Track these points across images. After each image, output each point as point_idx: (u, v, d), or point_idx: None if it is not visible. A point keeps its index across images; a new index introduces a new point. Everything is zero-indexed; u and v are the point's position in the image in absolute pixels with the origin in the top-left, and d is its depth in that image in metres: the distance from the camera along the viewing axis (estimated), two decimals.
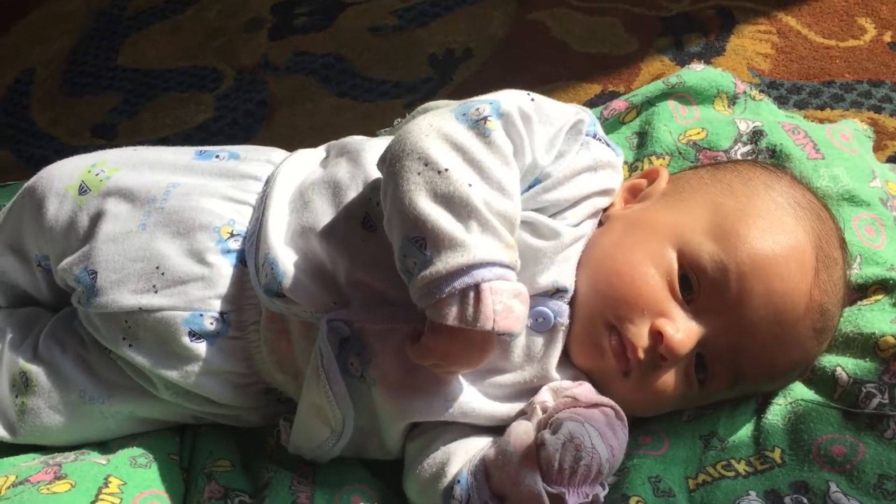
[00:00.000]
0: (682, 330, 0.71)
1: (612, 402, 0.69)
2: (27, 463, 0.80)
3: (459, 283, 0.64)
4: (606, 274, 0.73)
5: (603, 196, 0.78)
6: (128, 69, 1.49)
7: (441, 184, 0.66)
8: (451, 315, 0.65)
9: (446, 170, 0.66)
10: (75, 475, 0.75)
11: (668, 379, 0.72)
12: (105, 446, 0.83)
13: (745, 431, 0.76)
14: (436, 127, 0.69)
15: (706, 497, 0.71)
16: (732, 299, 0.71)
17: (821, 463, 0.71)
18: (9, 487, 0.74)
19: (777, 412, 0.76)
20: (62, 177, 0.86)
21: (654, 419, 0.79)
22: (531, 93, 0.74)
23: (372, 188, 0.78)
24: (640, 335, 0.71)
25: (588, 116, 0.78)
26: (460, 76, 1.33)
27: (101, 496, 0.73)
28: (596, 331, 0.73)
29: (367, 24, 1.45)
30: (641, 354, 0.71)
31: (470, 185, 0.66)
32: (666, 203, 0.78)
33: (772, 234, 0.72)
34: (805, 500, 0.69)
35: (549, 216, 0.75)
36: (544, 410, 0.71)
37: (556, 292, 0.74)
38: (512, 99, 0.72)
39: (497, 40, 1.37)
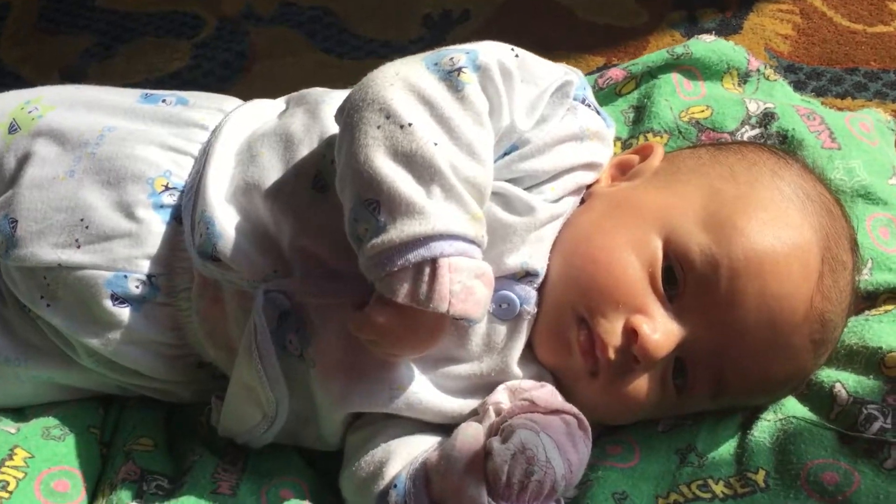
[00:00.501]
0: (661, 330, 0.62)
1: (575, 410, 0.61)
2: None
3: (414, 256, 0.57)
4: (580, 258, 0.64)
5: (588, 171, 0.70)
6: (106, 10, 1.41)
7: (403, 140, 0.58)
8: (402, 292, 0.57)
9: (410, 125, 0.59)
10: None
11: (641, 384, 0.64)
12: (19, 413, 0.76)
13: (727, 448, 0.68)
14: (402, 76, 0.61)
15: None
16: (721, 299, 0.62)
17: (809, 491, 0.63)
18: None
19: (765, 429, 0.68)
20: None
21: (625, 427, 0.71)
22: (515, 48, 0.66)
23: (327, 144, 0.70)
24: (612, 332, 0.63)
25: (577, 78, 0.70)
26: (454, 38, 1.24)
27: (2, 469, 0.67)
28: (564, 323, 0.65)
29: None
30: (612, 354, 0.63)
31: (436, 145, 0.59)
32: (657, 183, 0.69)
33: (773, 229, 0.63)
34: None
35: (525, 188, 0.67)
36: (498, 413, 0.64)
37: (525, 276, 0.66)
38: (492, 51, 0.64)
39: (497, 3, 1.29)
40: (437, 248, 0.57)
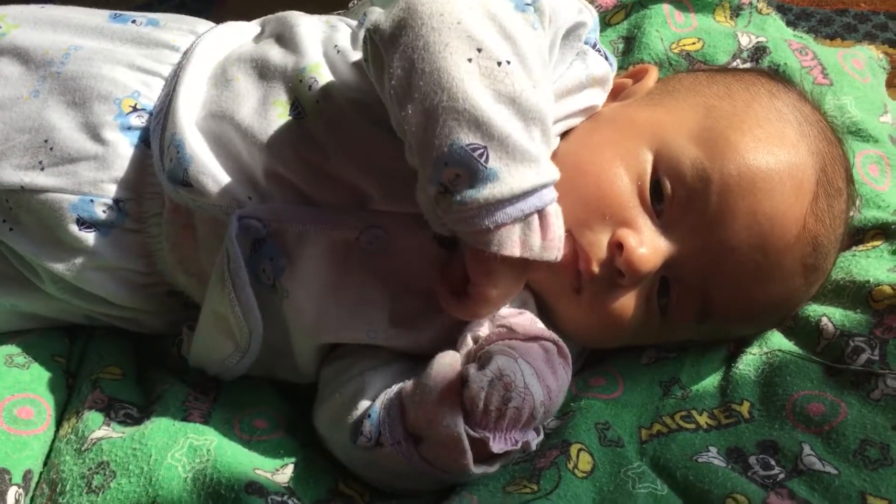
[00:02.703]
0: (647, 244, 0.61)
1: (554, 336, 0.59)
2: None
3: (528, 206, 0.54)
4: (569, 171, 0.62)
5: (583, 115, 0.67)
6: None
7: (505, 80, 0.53)
8: (512, 243, 0.54)
9: (508, 62, 0.54)
10: None
11: (626, 302, 0.62)
12: None
13: (712, 381, 0.67)
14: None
15: (659, 450, 0.62)
16: (711, 216, 0.60)
17: (794, 422, 0.62)
18: None
19: (750, 362, 0.67)
20: None
21: (610, 359, 0.69)
22: None
23: (303, 67, 0.67)
24: (597, 244, 0.61)
25: (591, 20, 0.66)
26: None
27: None
28: None
29: None
30: (596, 267, 0.61)
31: (534, 87, 0.54)
32: (650, 101, 0.67)
33: (769, 146, 0.61)
34: (772, 462, 0.60)
35: None
36: (475, 341, 0.61)
37: None
38: None
39: None
40: (547, 195, 0.54)
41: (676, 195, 0.61)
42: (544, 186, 0.54)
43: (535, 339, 0.59)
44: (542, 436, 0.60)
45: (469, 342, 0.62)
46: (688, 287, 0.63)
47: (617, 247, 0.60)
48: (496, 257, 0.54)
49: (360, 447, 0.60)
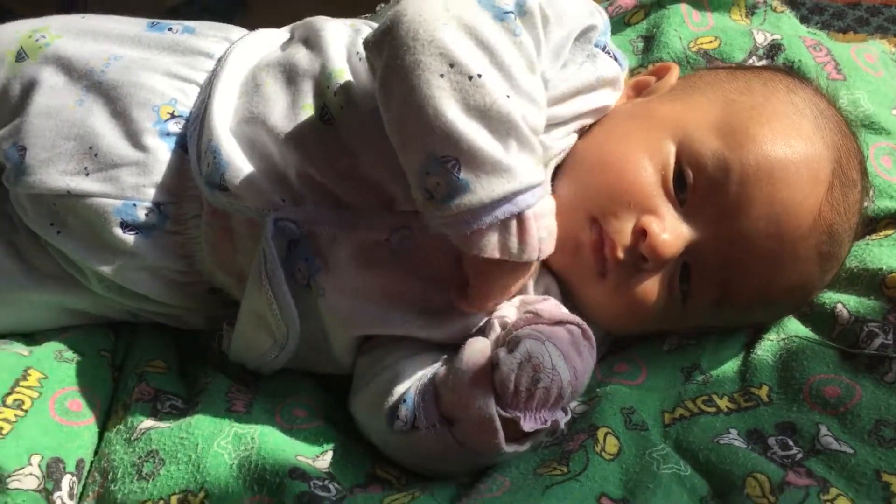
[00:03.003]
0: (670, 230, 0.63)
1: (578, 320, 0.62)
2: None
3: (502, 213, 0.57)
4: (594, 164, 0.65)
5: (594, 115, 0.70)
6: None
7: (475, 93, 0.56)
8: (491, 247, 0.58)
9: (479, 76, 0.56)
10: None
11: (649, 286, 0.65)
12: (30, 338, 0.76)
13: (731, 366, 0.70)
14: (455, 13, 0.58)
15: (682, 433, 0.64)
16: (731, 204, 0.63)
17: (811, 404, 0.65)
18: None
19: (768, 348, 0.70)
20: (2, 41, 0.78)
21: (633, 346, 0.72)
22: None
23: (329, 73, 0.69)
24: (622, 231, 0.64)
25: (602, 23, 0.68)
26: None
27: (17, 388, 0.68)
28: (575, 224, 0.65)
29: None
30: (621, 253, 0.64)
31: (508, 98, 0.57)
32: (672, 96, 0.70)
33: (786, 138, 0.64)
34: (790, 442, 0.62)
35: None
36: (503, 326, 0.64)
37: None
38: None
39: None
40: (522, 201, 0.57)
41: (698, 184, 0.64)
42: (518, 193, 0.57)
43: (560, 323, 0.61)
44: (569, 415, 0.63)
45: (497, 328, 0.65)
46: (707, 272, 0.65)
47: (641, 233, 0.63)
48: (482, 260, 0.58)
49: (396, 431, 0.63)
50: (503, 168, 0.56)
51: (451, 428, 0.61)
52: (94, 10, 1.24)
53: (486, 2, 0.59)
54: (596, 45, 0.68)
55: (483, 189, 0.56)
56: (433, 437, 0.62)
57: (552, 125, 0.66)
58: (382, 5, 0.92)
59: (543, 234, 0.59)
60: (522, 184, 0.57)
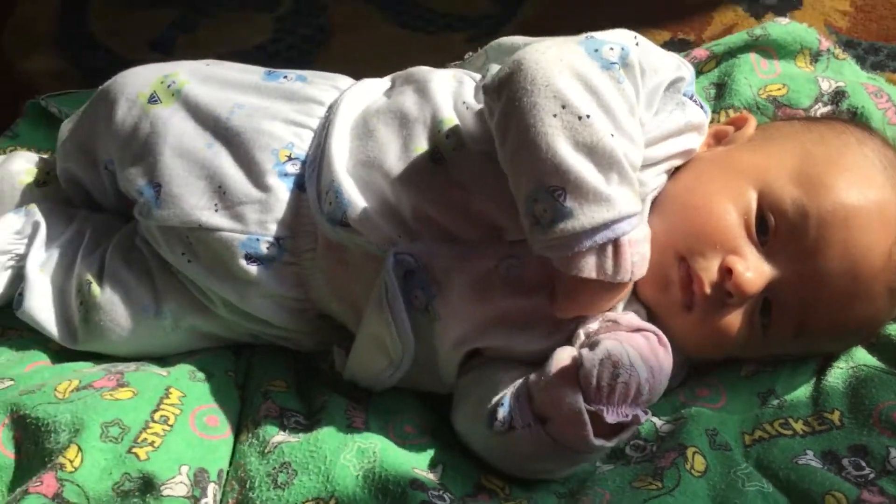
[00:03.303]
0: (753, 269, 0.70)
1: (654, 328, 0.68)
2: (89, 369, 0.81)
3: (600, 238, 0.64)
4: (683, 206, 0.72)
5: (683, 157, 0.77)
6: None
7: (584, 132, 0.64)
8: (588, 268, 0.65)
9: (588, 116, 0.64)
10: (137, 384, 0.76)
11: (732, 319, 0.72)
12: (163, 361, 0.84)
13: (804, 391, 0.76)
14: (567, 62, 0.65)
15: (763, 453, 0.71)
16: (809, 246, 0.70)
17: (881, 428, 0.71)
18: (72, 391, 0.76)
19: (838, 375, 0.76)
20: (136, 83, 0.86)
21: (712, 372, 0.79)
22: (637, 35, 0.71)
23: (440, 119, 0.77)
24: (709, 269, 0.71)
25: (689, 74, 0.75)
26: (524, 13, 1.30)
27: (162, 405, 0.75)
28: (665, 262, 0.72)
29: None
30: (708, 289, 0.71)
31: (612, 136, 0.65)
32: (752, 146, 0.76)
33: (859, 187, 0.70)
34: (863, 463, 0.69)
35: None
36: (587, 335, 0.71)
37: None
38: (629, 44, 0.69)
39: None
40: (619, 229, 0.64)
41: (779, 228, 0.70)
42: (616, 221, 0.64)
43: (637, 330, 0.68)
44: (649, 414, 0.68)
45: (581, 336, 0.71)
46: (787, 307, 0.72)
47: (727, 271, 0.70)
48: (579, 279, 0.65)
49: (495, 432, 0.70)
50: (604, 198, 0.64)
51: (545, 426, 0.68)
52: (184, 50, 1.33)
53: (595, 54, 0.67)
54: (684, 95, 0.75)
55: (585, 216, 0.64)
56: (528, 435, 0.68)
57: (647, 165, 0.73)
58: (471, 54, 0.99)
59: (636, 258, 0.66)
60: (620, 213, 0.64)
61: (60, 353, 0.86)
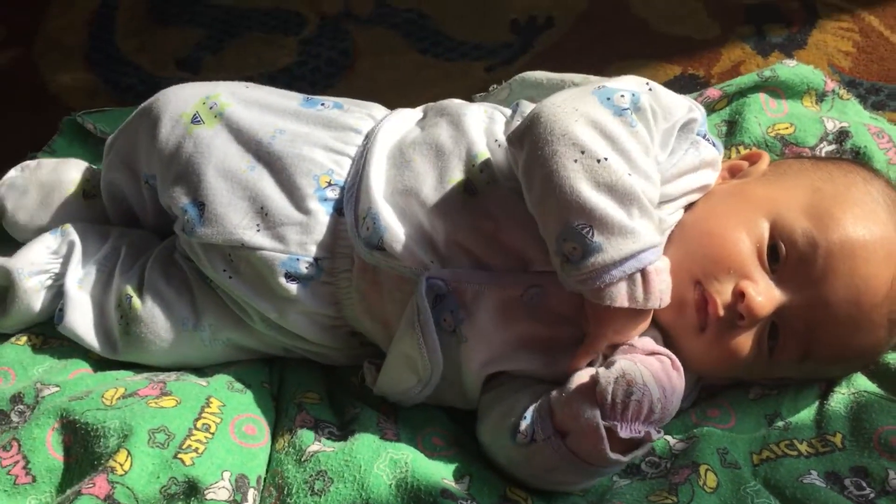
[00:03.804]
0: (764, 293, 0.75)
1: (668, 352, 0.73)
2: (131, 378, 0.86)
3: (629, 268, 0.69)
4: (700, 233, 0.77)
5: (699, 192, 0.82)
6: (211, 5, 1.50)
7: (602, 173, 0.69)
8: (621, 296, 0.70)
9: (606, 159, 0.69)
10: (180, 393, 0.81)
11: (742, 341, 0.76)
12: (200, 370, 0.88)
13: (808, 414, 0.81)
14: (582, 112, 0.71)
15: (770, 472, 0.76)
16: (817, 275, 0.74)
17: (881, 451, 0.76)
18: (119, 398, 0.80)
19: (839, 400, 0.81)
20: (178, 102, 0.90)
21: (722, 394, 0.83)
22: (650, 82, 0.77)
23: (474, 154, 0.81)
24: (723, 292, 0.75)
25: (700, 115, 0.80)
26: (541, 44, 1.35)
27: (203, 414, 0.79)
28: (681, 285, 0.76)
29: None
30: (721, 311, 0.75)
31: (629, 175, 0.70)
32: (765, 180, 0.81)
33: (865, 222, 0.75)
34: (864, 484, 0.74)
35: None
36: (605, 357, 0.75)
37: None
38: (641, 90, 0.74)
39: (578, 12, 1.39)
40: (645, 258, 0.69)
41: (790, 257, 0.75)
42: (642, 251, 0.69)
43: (651, 353, 0.73)
44: (661, 433, 0.72)
45: (599, 358, 0.76)
46: (793, 331, 0.77)
47: (740, 295, 0.74)
48: (610, 309, 0.70)
49: (518, 444, 0.74)
50: (629, 231, 0.69)
51: (565, 439, 0.72)
52: (210, 70, 1.38)
53: (608, 102, 0.72)
54: (697, 134, 0.80)
55: (613, 248, 0.69)
56: (549, 447, 0.72)
57: (664, 202, 0.78)
58: (495, 86, 1.04)
59: (663, 286, 0.71)
60: (645, 244, 0.70)
61: (101, 362, 0.90)
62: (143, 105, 0.93)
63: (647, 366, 0.70)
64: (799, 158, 0.86)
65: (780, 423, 0.81)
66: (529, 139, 0.72)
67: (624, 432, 0.69)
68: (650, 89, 0.75)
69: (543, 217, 0.72)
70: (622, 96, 0.72)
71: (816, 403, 0.82)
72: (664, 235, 0.78)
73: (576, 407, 0.71)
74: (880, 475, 0.74)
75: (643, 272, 0.70)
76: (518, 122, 0.80)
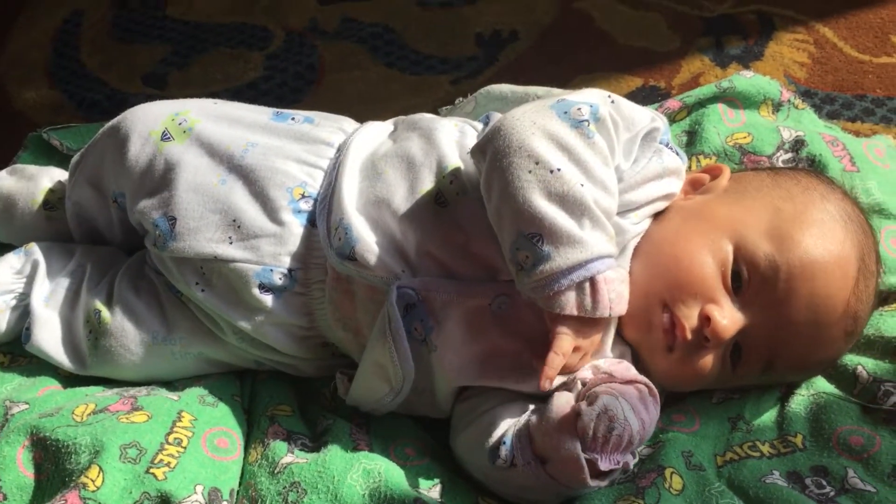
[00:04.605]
0: (728, 317, 0.77)
1: (645, 380, 0.75)
2: (102, 393, 0.85)
3: (577, 276, 0.71)
4: (666, 257, 0.79)
5: (664, 200, 0.84)
6: (177, 20, 1.51)
7: (555, 183, 0.71)
8: (570, 304, 0.71)
9: (559, 169, 0.71)
10: (151, 407, 0.81)
11: (708, 360, 0.78)
12: (171, 384, 0.88)
13: (770, 416, 0.83)
14: (540, 125, 0.73)
15: (734, 473, 0.78)
16: (778, 297, 0.77)
17: (840, 450, 0.79)
18: (89, 414, 0.80)
19: (800, 402, 0.83)
20: (146, 120, 0.90)
21: (686, 400, 0.85)
22: (612, 94, 0.79)
23: (445, 166, 0.83)
24: (690, 316, 0.77)
25: (663, 125, 0.82)
26: (506, 58, 1.38)
27: (175, 428, 0.79)
28: (650, 308, 0.78)
29: None
30: (689, 335, 0.77)
31: (582, 186, 0.71)
32: (727, 199, 0.83)
33: (823, 242, 0.78)
34: (824, 483, 0.76)
35: (617, 214, 0.79)
36: (584, 384, 0.77)
37: None
38: (601, 101, 0.76)
39: (542, 26, 1.41)
40: (593, 268, 0.71)
41: (752, 280, 0.77)
42: (590, 261, 0.71)
43: (630, 382, 0.74)
44: (637, 458, 0.76)
45: (579, 385, 0.77)
46: (755, 349, 0.79)
47: (706, 319, 0.76)
48: (562, 316, 0.71)
49: (497, 468, 0.75)
50: (577, 241, 0.71)
51: (544, 465, 0.73)
52: (176, 85, 1.38)
53: (565, 115, 0.74)
54: (660, 143, 0.82)
55: (561, 257, 0.70)
56: (529, 472, 0.74)
57: (630, 210, 0.80)
58: (461, 99, 1.05)
59: (613, 296, 0.72)
60: (593, 254, 0.71)
61: (70, 379, 0.90)
62: (109, 124, 0.93)
63: (627, 397, 0.72)
64: (757, 172, 0.88)
65: (743, 426, 0.83)
66: (489, 151, 0.74)
67: (604, 464, 0.71)
68: (612, 101, 0.77)
69: (500, 226, 0.74)
70: (579, 109, 0.74)
71: (778, 405, 0.84)
72: (628, 248, 0.80)
73: (556, 438, 0.72)
74: (840, 474, 0.76)
75: (592, 281, 0.71)
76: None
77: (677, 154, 0.85)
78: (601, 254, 0.71)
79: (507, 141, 0.73)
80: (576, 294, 0.71)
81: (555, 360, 0.73)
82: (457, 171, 0.82)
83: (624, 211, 0.79)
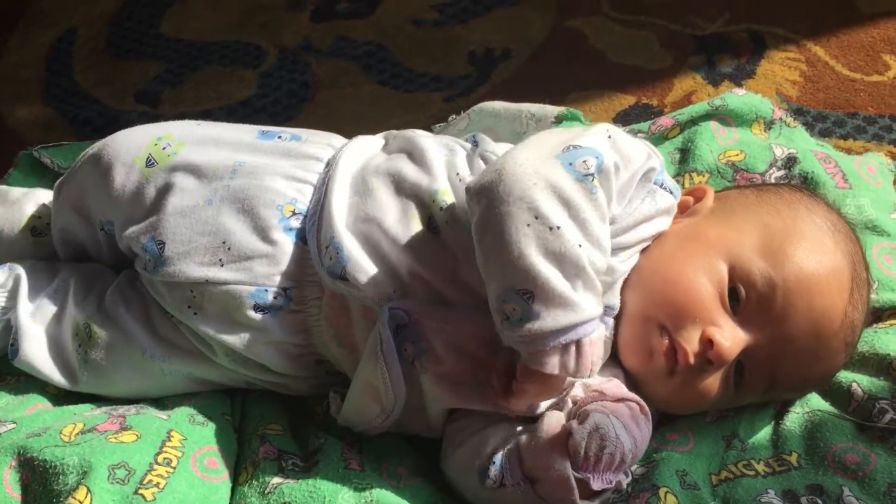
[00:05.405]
0: (730, 338, 0.76)
1: (636, 398, 0.74)
2: (90, 412, 0.84)
3: (564, 339, 0.69)
4: (662, 282, 0.78)
5: (654, 238, 0.82)
6: (171, 38, 1.51)
7: (553, 241, 0.69)
8: (552, 365, 0.70)
9: (558, 227, 0.69)
10: (140, 427, 0.80)
11: (711, 382, 0.78)
12: (160, 403, 0.87)
13: (764, 435, 0.83)
14: (543, 175, 0.70)
15: (729, 492, 0.77)
16: (777, 313, 0.77)
17: (835, 469, 0.78)
18: (78, 434, 0.79)
19: (795, 420, 0.83)
20: (129, 148, 0.89)
21: (680, 418, 0.85)
22: (609, 128, 0.77)
23: (435, 189, 0.82)
24: (691, 341, 0.77)
25: (659, 164, 0.81)
26: (499, 76, 1.38)
27: (164, 448, 0.78)
28: (648, 333, 0.78)
29: (408, 15, 1.49)
30: (692, 360, 0.77)
31: (580, 246, 0.69)
32: (716, 220, 0.83)
33: (815, 255, 0.78)
34: (820, 501, 0.75)
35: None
36: (574, 402, 0.76)
37: (605, 310, 0.78)
38: (604, 148, 0.74)
39: (535, 44, 1.42)
40: (581, 331, 0.69)
41: (750, 299, 0.77)
42: (579, 324, 0.69)
43: (621, 399, 0.74)
44: (630, 478, 0.74)
45: (570, 403, 0.77)
46: (758, 367, 0.79)
47: (708, 342, 0.76)
48: (538, 371, 0.70)
49: (486, 488, 0.75)
50: (569, 303, 0.69)
51: (534, 486, 0.73)
52: (169, 103, 1.38)
53: (570, 167, 0.71)
54: (654, 183, 0.81)
55: (551, 319, 0.68)
56: (519, 493, 0.73)
57: (620, 249, 0.79)
58: (454, 116, 1.06)
59: (595, 358, 0.71)
60: (583, 317, 0.69)
61: (59, 397, 0.89)
62: (90, 152, 0.91)
63: (619, 416, 0.71)
64: (741, 190, 0.88)
65: (738, 444, 0.82)
66: (488, 195, 0.72)
67: (596, 484, 0.70)
68: (609, 136, 0.76)
69: (488, 274, 0.72)
70: (585, 161, 0.72)
71: (772, 423, 0.84)
72: (616, 284, 0.79)
73: (546, 458, 0.72)
74: (835, 492, 0.76)
75: (578, 344, 0.70)
76: (480, 167, 0.82)
77: (671, 192, 0.84)
78: (591, 317, 0.70)
79: (509, 189, 0.70)
80: (560, 356, 0.70)
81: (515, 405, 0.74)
82: (448, 197, 0.81)
83: (614, 250, 0.78)
